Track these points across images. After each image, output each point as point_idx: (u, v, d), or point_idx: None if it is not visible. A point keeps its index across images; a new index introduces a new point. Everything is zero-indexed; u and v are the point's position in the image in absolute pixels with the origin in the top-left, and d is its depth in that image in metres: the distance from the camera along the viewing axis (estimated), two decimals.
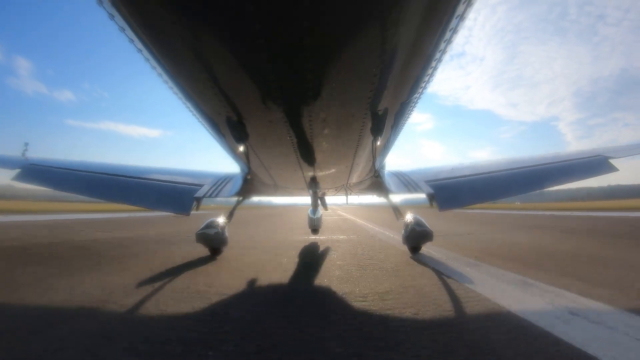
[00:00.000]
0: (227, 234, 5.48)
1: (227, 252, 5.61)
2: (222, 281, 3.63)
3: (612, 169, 5.39)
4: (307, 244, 6.98)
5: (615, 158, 5.53)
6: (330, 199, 7.49)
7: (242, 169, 4.76)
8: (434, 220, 10.99)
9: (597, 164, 5.48)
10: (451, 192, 4.98)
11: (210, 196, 5.00)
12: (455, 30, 1.81)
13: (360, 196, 7.30)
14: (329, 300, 2.98)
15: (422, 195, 5.05)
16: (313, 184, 4.30)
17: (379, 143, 3.12)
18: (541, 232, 9.70)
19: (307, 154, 3.08)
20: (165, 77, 2.11)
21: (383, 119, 2.53)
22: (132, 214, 22.15)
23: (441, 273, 3.91)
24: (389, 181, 5.27)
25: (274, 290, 3.32)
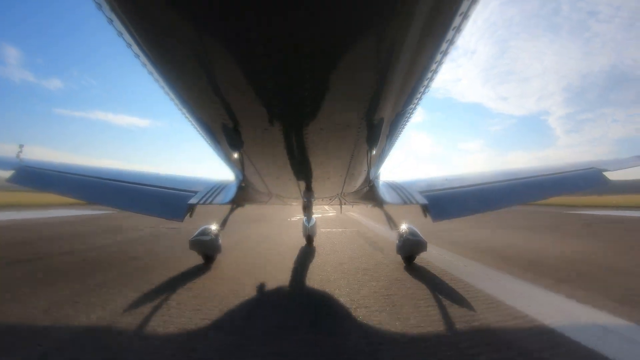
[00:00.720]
0: (220, 241, 5.45)
1: None
2: None
3: (605, 181, 5.44)
4: None
5: (608, 171, 5.59)
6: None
7: (236, 177, 4.75)
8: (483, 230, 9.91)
9: (590, 176, 5.53)
10: (445, 203, 4.99)
11: (204, 203, 4.97)
12: (451, 42, 1.81)
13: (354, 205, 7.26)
14: None
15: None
16: (307, 193, 4.29)
17: (374, 153, 3.12)
18: None
19: (302, 163, 3.07)
20: (161, 82, 2.11)
21: (378, 130, 2.53)
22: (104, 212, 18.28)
23: None
24: (383, 191, 5.27)
25: None
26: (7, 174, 5.51)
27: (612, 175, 5.66)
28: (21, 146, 6.12)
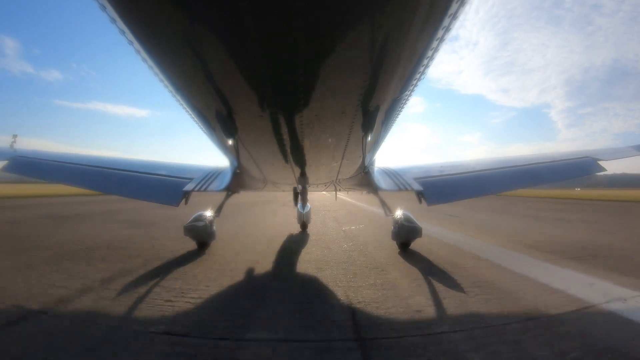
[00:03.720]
0: (215, 227, 5.48)
1: None
2: None
3: (600, 169, 5.47)
4: None
5: (603, 160, 5.61)
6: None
7: (231, 163, 4.75)
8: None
9: (585, 165, 5.55)
10: (440, 188, 5.03)
11: (199, 190, 4.99)
12: (447, 29, 1.78)
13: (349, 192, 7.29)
14: None
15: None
16: (302, 179, 4.29)
17: (369, 139, 3.11)
18: None
19: (297, 150, 3.06)
20: (155, 69, 2.08)
21: (374, 116, 2.51)
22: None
23: None
24: (378, 178, 5.29)
25: None
26: (0, 164, 5.49)
27: (612, 169, 5.63)
28: (15, 136, 6.10)
